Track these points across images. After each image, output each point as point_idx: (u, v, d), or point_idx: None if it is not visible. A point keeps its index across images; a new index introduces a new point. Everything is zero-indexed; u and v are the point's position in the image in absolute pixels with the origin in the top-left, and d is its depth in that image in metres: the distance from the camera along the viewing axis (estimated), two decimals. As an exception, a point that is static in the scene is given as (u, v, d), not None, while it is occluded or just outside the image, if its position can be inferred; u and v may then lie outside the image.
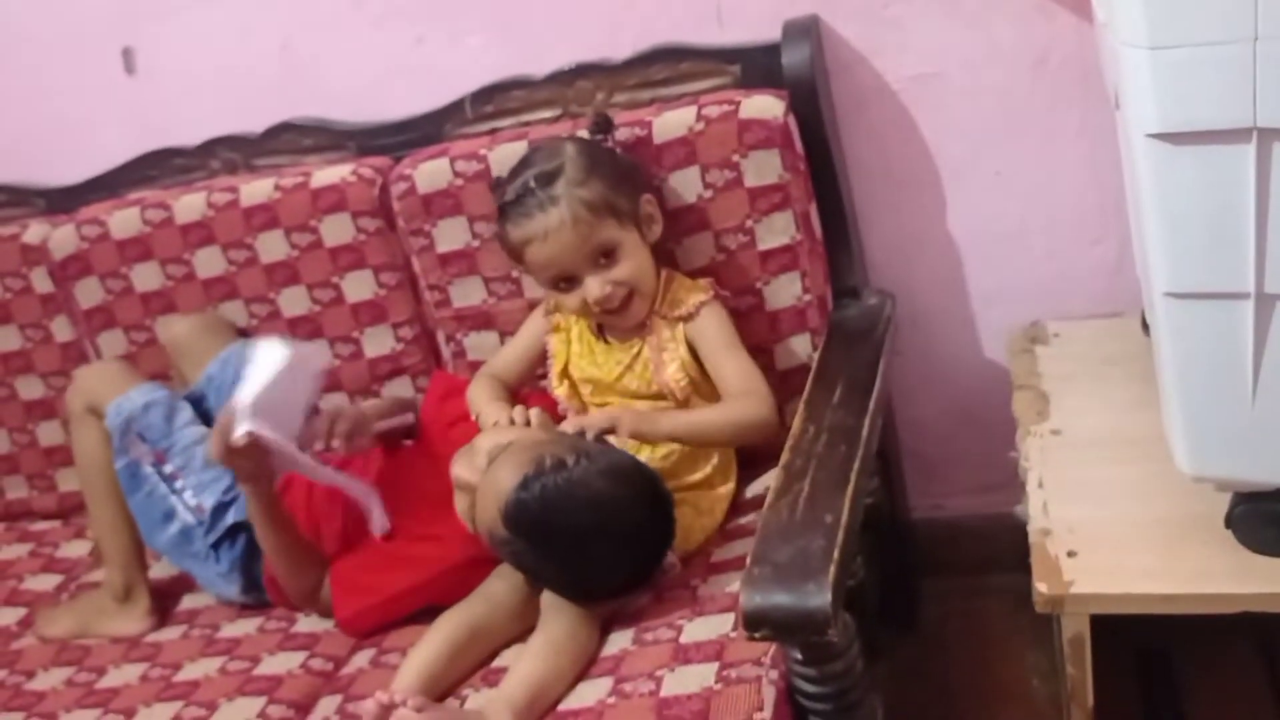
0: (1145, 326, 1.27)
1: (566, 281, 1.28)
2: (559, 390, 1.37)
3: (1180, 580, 1.04)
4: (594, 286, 1.26)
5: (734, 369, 1.29)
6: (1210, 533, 1.06)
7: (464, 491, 1.21)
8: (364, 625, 1.33)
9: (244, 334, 1.58)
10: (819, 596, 0.93)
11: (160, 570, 1.54)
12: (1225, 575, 1.03)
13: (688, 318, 1.30)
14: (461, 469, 1.21)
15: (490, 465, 1.16)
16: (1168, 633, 1.34)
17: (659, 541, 1.18)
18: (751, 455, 1.36)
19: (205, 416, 1.51)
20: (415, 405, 1.50)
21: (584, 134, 1.33)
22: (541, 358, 1.41)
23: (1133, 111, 0.90)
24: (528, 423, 1.25)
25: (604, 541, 1.13)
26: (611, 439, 1.22)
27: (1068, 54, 1.32)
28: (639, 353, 1.31)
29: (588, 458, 1.14)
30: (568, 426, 1.23)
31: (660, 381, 1.30)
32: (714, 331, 1.30)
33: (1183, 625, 1.07)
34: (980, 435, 1.52)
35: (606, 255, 1.26)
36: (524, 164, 1.29)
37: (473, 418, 1.34)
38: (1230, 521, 1.05)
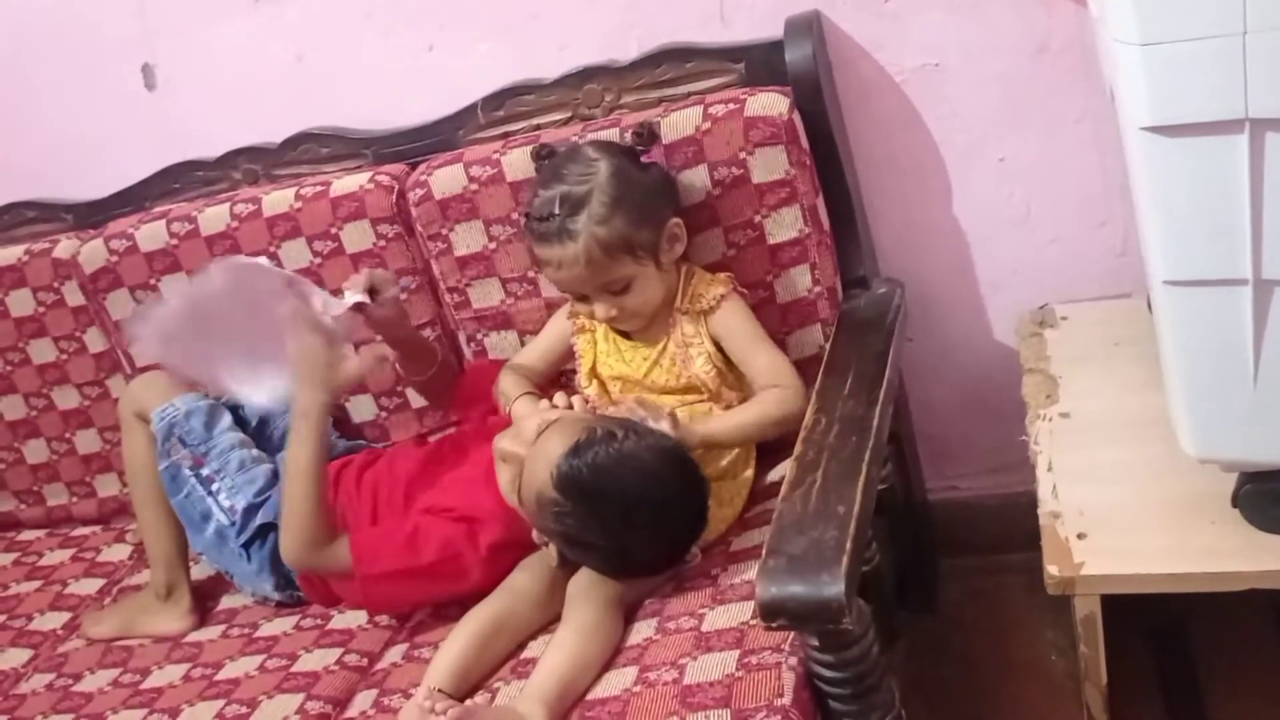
0: (1152, 307, 1.29)
1: (578, 297, 1.32)
2: (588, 389, 1.39)
3: (1189, 560, 1.06)
4: (600, 310, 1.30)
5: (763, 362, 1.31)
6: (1218, 512, 1.08)
7: (509, 464, 1.25)
8: (386, 593, 1.32)
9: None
10: (833, 586, 0.96)
11: (199, 571, 1.59)
12: (1234, 554, 1.05)
13: (710, 310, 1.32)
14: (508, 443, 1.25)
15: (540, 437, 1.20)
16: (1182, 607, 1.36)
17: (695, 523, 1.22)
18: (770, 442, 1.38)
19: (242, 423, 1.56)
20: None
21: (612, 134, 1.34)
22: (565, 356, 1.44)
23: (1127, 105, 0.92)
24: (570, 406, 1.28)
25: (648, 513, 1.17)
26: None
27: (1068, 40, 1.34)
28: (665, 348, 1.34)
29: (636, 434, 1.18)
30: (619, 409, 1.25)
31: (689, 375, 1.32)
32: (738, 325, 1.32)
33: (1197, 599, 1.09)
34: (993, 418, 1.54)
35: (619, 287, 1.29)
36: (556, 173, 1.29)
37: (503, 411, 1.38)
38: (1237, 501, 1.07)
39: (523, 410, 1.34)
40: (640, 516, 1.17)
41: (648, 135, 1.32)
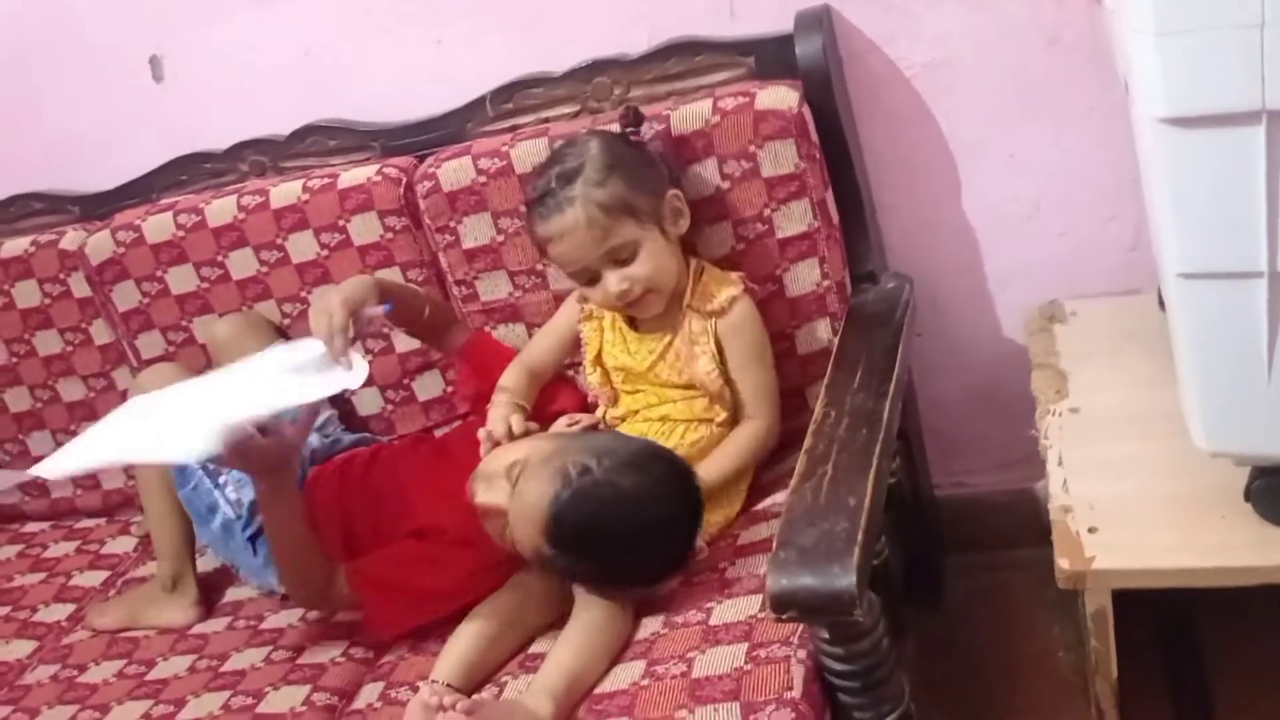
0: (1162, 303, 1.28)
1: (589, 279, 1.31)
2: (592, 377, 1.39)
3: (1200, 554, 1.06)
4: (612, 282, 1.29)
5: (750, 387, 1.32)
6: (1230, 506, 1.07)
7: (493, 517, 1.23)
8: (392, 624, 1.32)
9: (282, 333, 1.61)
10: (844, 578, 0.96)
11: (204, 564, 1.58)
12: (1245, 548, 1.04)
13: (720, 313, 1.32)
14: (485, 495, 1.23)
15: (515, 487, 1.19)
16: (1192, 602, 1.36)
17: (692, 517, 1.21)
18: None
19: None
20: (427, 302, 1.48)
21: (615, 127, 1.34)
22: (573, 346, 1.44)
23: (1142, 96, 0.92)
24: (510, 431, 1.28)
25: (645, 532, 1.16)
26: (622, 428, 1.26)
27: (1079, 34, 1.33)
28: (670, 343, 1.34)
29: (608, 455, 1.17)
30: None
31: (691, 374, 1.32)
32: (741, 337, 1.32)
33: (1207, 594, 1.08)
34: (1001, 413, 1.53)
35: (625, 254, 1.28)
36: (551, 161, 1.31)
37: None
38: (1249, 495, 1.06)
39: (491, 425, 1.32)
40: (640, 540, 1.17)
41: (634, 116, 1.33)
